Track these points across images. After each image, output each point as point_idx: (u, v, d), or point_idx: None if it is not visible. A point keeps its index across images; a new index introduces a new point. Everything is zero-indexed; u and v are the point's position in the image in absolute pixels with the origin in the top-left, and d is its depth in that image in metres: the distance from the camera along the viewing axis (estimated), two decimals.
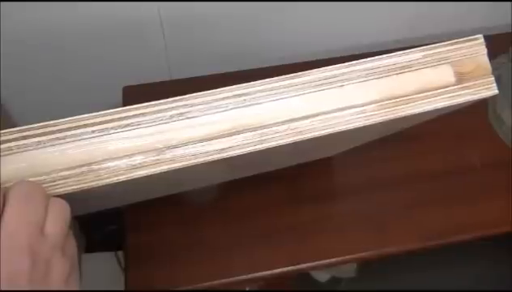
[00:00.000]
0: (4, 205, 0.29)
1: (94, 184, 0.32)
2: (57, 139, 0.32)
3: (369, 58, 0.35)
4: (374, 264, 0.92)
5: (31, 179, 0.31)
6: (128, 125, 0.33)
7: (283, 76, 0.34)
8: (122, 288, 0.64)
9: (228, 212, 0.69)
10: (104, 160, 0.32)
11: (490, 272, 1.04)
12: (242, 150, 0.34)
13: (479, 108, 0.77)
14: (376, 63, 0.35)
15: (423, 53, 0.36)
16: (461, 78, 0.36)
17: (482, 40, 0.37)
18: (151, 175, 0.33)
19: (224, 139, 0.33)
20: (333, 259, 0.66)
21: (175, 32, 0.80)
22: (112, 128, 0.33)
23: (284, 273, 0.65)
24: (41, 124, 0.32)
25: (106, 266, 1.01)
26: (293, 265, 0.65)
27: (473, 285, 1.00)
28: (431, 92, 0.36)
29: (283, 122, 0.34)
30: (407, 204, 0.70)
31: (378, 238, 0.67)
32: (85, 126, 0.32)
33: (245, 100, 0.34)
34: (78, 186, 0.32)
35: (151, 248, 0.66)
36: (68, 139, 0.32)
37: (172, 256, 0.65)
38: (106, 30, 0.77)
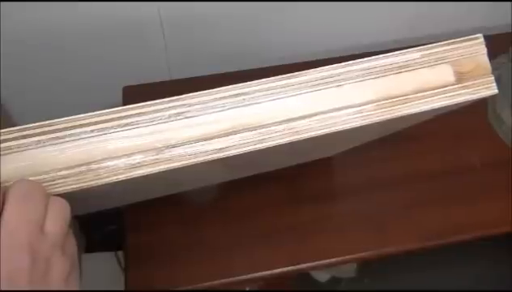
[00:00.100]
0: (4, 204, 0.29)
1: (93, 183, 0.32)
2: (57, 138, 0.32)
3: (366, 58, 0.35)
4: (374, 264, 0.92)
5: (30, 178, 0.31)
6: (127, 124, 0.33)
7: (281, 76, 0.35)
8: (122, 288, 0.64)
9: (227, 212, 0.69)
10: (104, 159, 0.32)
11: (490, 272, 1.04)
12: (240, 150, 0.34)
13: (478, 108, 0.77)
14: (373, 63, 0.35)
15: (421, 53, 0.36)
16: (460, 77, 0.36)
17: (482, 39, 0.37)
18: (150, 174, 0.33)
19: (222, 139, 0.34)
20: (333, 259, 0.66)
21: (175, 32, 0.80)
22: (111, 127, 0.33)
23: (284, 273, 0.65)
24: (41, 123, 0.32)
25: (106, 266, 1.01)
26: (293, 265, 0.65)
27: (473, 285, 0.99)
28: (429, 92, 0.36)
29: (281, 122, 0.34)
30: (406, 204, 0.70)
31: (378, 238, 0.67)
32: (84, 125, 0.32)
33: (243, 99, 0.34)
34: (78, 186, 0.32)
35: (151, 248, 0.66)
36: (67, 139, 0.32)
37: (172, 256, 0.65)
38: (106, 30, 0.77)
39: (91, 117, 0.32)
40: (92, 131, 0.32)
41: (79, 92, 0.84)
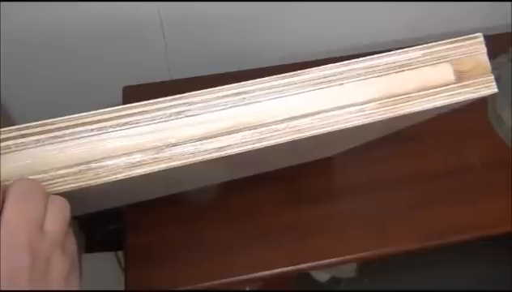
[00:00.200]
0: (4, 203, 0.29)
1: (93, 182, 0.32)
2: (56, 137, 0.32)
3: (368, 57, 0.35)
4: (374, 264, 0.92)
5: (30, 177, 0.31)
6: (127, 123, 0.33)
7: (283, 74, 0.34)
8: (122, 288, 0.64)
9: (227, 212, 0.69)
10: (103, 158, 0.32)
11: (490, 272, 1.04)
12: (241, 148, 0.34)
13: (478, 107, 0.77)
14: (375, 62, 0.35)
15: (422, 52, 0.36)
16: (460, 76, 0.36)
17: (481, 38, 0.37)
18: (150, 174, 0.33)
19: (223, 138, 0.33)
20: (333, 259, 0.66)
21: (175, 32, 0.80)
22: (110, 126, 0.33)
23: (284, 273, 0.65)
24: (40, 122, 0.32)
25: (106, 266, 1.01)
26: (293, 265, 0.65)
27: (473, 285, 0.99)
28: (430, 91, 0.36)
29: (283, 121, 0.34)
30: (406, 204, 0.70)
31: (378, 238, 0.67)
32: (84, 124, 0.32)
33: (244, 98, 0.34)
34: (77, 185, 0.32)
35: (151, 248, 0.66)
36: (67, 138, 0.32)
37: (172, 256, 0.65)
38: (106, 30, 0.77)
39: (91, 116, 0.32)
40: (92, 130, 0.32)
41: (79, 91, 0.83)
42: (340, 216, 0.70)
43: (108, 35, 0.78)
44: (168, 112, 0.33)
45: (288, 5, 0.80)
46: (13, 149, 0.31)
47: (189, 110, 0.33)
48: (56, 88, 0.85)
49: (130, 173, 0.33)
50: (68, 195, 0.32)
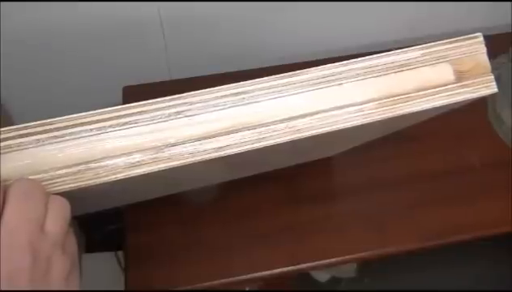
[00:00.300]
0: (4, 203, 0.29)
1: (92, 182, 0.32)
2: (56, 137, 0.32)
3: (367, 57, 0.35)
4: (374, 264, 0.92)
5: (30, 177, 0.31)
6: (126, 123, 0.33)
7: (282, 75, 0.35)
8: (122, 288, 0.64)
9: (227, 212, 0.69)
10: (103, 158, 0.32)
11: (490, 272, 1.04)
12: (240, 148, 0.34)
13: (478, 107, 0.77)
14: (374, 62, 0.35)
15: (422, 52, 0.36)
16: (460, 76, 0.36)
17: (481, 38, 0.37)
18: (149, 174, 0.33)
19: (222, 138, 0.34)
20: (333, 259, 0.66)
21: (175, 32, 0.80)
22: (110, 126, 0.33)
23: (284, 273, 0.65)
24: (40, 122, 0.32)
25: (106, 266, 1.01)
26: (293, 265, 0.65)
27: (473, 285, 0.99)
28: (430, 91, 0.36)
29: (282, 121, 0.34)
30: (406, 204, 0.70)
31: (378, 238, 0.67)
32: (83, 124, 0.32)
33: (243, 98, 0.34)
34: (77, 185, 0.32)
35: (151, 248, 0.66)
36: (67, 138, 0.32)
37: (171, 256, 0.65)
38: (106, 30, 0.77)
39: (91, 115, 0.32)
40: (91, 130, 0.32)
41: (79, 92, 0.84)
42: (340, 216, 0.70)
43: (108, 35, 0.78)
44: (167, 112, 0.33)
45: (288, 5, 0.80)
46: (13, 149, 0.32)
47: (188, 110, 0.33)
48: (56, 88, 0.85)
49: (129, 173, 0.33)
50: (68, 195, 0.32)
